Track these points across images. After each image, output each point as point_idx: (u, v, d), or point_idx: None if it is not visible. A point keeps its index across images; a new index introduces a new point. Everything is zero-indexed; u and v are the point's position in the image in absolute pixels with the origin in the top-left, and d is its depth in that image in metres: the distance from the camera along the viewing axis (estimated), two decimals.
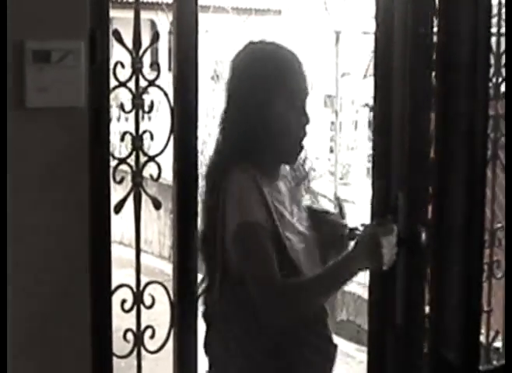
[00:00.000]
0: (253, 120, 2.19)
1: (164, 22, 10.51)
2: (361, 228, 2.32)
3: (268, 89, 2.18)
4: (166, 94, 2.49)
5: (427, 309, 3.13)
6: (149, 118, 8.39)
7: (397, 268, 2.62)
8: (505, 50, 3.20)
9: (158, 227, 8.90)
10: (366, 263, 2.16)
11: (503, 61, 3.37)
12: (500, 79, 3.37)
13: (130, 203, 2.45)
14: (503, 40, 3.37)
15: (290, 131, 2.22)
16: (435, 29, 3.06)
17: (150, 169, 2.52)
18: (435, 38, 3.06)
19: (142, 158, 2.47)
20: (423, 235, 2.43)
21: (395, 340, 3.00)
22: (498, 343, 3.52)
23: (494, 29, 3.33)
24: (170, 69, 2.68)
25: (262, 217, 2.13)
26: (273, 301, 2.10)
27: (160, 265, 8.27)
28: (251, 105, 2.19)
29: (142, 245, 2.56)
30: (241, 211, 2.12)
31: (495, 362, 3.46)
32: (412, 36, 2.92)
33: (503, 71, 3.37)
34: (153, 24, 12.81)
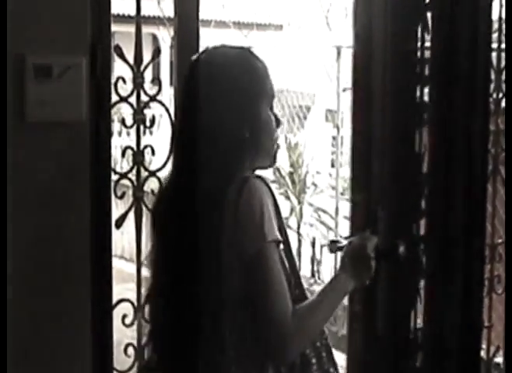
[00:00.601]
0: (242, 124, 2.04)
1: (166, 36, 10.55)
2: (343, 241, 2.30)
3: (254, 92, 2.08)
4: (167, 109, 2.49)
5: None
6: (151, 133, 8.39)
7: (377, 280, 2.62)
8: (505, 64, 3.20)
9: None
10: (358, 278, 2.13)
11: (504, 76, 3.38)
12: (501, 95, 3.38)
13: (131, 218, 2.45)
14: (503, 55, 3.38)
15: (272, 133, 2.13)
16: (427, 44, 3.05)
17: (151, 184, 2.52)
18: (427, 53, 3.05)
19: (143, 173, 2.48)
20: (401, 248, 2.43)
21: (378, 353, 2.99)
22: (499, 359, 3.51)
23: (495, 45, 3.34)
24: (171, 84, 2.69)
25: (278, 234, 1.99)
26: (290, 342, 1.96)
27: None
28: (239, 108, 2.06)
29: (143, 260, 2.56)
30: (264, 229, 1.94)
31: None
32: (398, 53, 2.91)
33: (504, 86, 3.37)
34: (155, 39, 12.85)
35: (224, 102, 2.04)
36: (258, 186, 1.96)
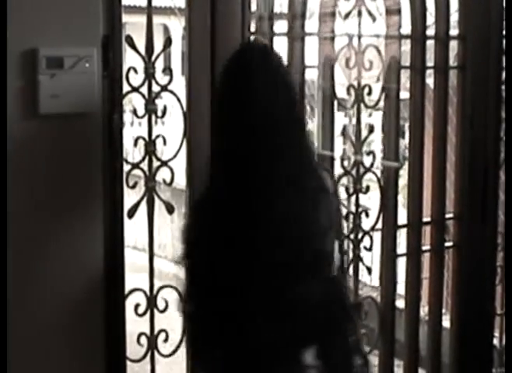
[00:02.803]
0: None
1: (177, 26, 10.53)
2: None
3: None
4: (178, 99, 2.50)
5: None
6: (163, 123, 8.37)
7: None
8: (505, 64, 3.20)
9: (172, 231, 8.91)
10: None
11: None
12: None
13: (143, 208, 2.46)
14: None
15: None
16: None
17: (163, 174, 2.53)
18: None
19: (155, 163, 2.48)
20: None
21: None
22: None
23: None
24: (183, 73, 2.69)
25: None
26: None
27: (174, 269, 8.26)
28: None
29: (155, 250, 2.57)
30: None
31: None
32: None
33: None
34: (166, 29, 12.83)
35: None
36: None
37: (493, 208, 3.26)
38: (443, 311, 3.21)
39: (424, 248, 3.13)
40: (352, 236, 2.87)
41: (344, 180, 2.89)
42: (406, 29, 3.17)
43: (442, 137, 3.13)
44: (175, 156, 2.50)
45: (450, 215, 3.20)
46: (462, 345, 3.19)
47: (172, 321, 2.55)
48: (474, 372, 3.26)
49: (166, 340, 2.51)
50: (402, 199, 4.22)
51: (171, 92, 2.49)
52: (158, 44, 2.47)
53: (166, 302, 2.50)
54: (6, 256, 2.06)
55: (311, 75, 2.78)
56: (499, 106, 3.26)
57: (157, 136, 2.48)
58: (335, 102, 2.90)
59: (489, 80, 3.22)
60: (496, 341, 3.39)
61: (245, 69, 2.05)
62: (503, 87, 3.30)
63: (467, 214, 3.19)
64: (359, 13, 2.89)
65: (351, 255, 2.82)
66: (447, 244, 3.21)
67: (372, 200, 3.10)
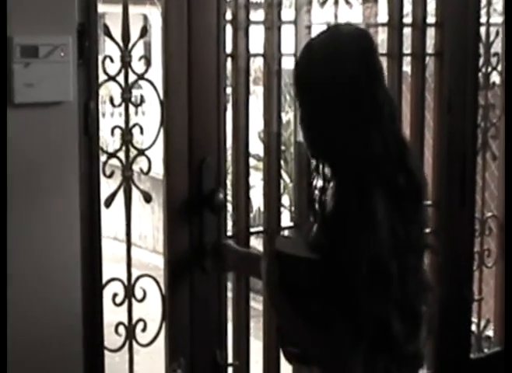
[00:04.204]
0: None
1: (157, 16, 10.49)
2: None
3: None
4: (155, 87, 2.49)
5: None
6: (143, 112, 8.39)
7: None
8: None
9: (152, 221, 8.91)
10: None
11: (493, 50, 3.38)
12: (490, 69, 3.38)
13: (122, 198, 2.46)
14: (492, 29, 3.38)
15: None
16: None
17: (141, 163, 2.52)
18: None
19: (133, 152, 2.48)
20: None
21: None
22: (489, 332, 3.54)
23: (483, 19, 3.34)
24: None
25: None
26: None
27: (154, 260, 8.27)
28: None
29: (136, 240, 2.57)
30: None
31: (486, 350, 3.48)
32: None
33: (493, 60, 3.38)
34: (146, 19, 12.79)
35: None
36: None
37: (471, 194, 3.28)
38: None
39: None
40: None
41: None
42: (383, 17, 3.18)
43: (420, 123, 3.14)
44: (152, 145, 2.49)
45: (429, 202, 3.21)
46: (440, 331, 3.20)
47: (151, 311, 2.56)
48: (452, 357, 3.28)
49: (144, 330, 2.51)
50: None
51: (148, 80, 2.49)
52: (137, 34, 2.46)
53: (144, 292, 2.50)
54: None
55: (288, 64, 2.78)
56: (477, 93, 3.29)
57: (134, 125, 2.47)
58: None
59: (466, 67, 3.24)
60: (473, 327, 3.42)
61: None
62: (480, 74, 3.33)
63: (445, 200, 3.21)
64: (336, 1, 2.90)
65: None
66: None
67: None
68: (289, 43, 2.80)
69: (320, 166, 2.04)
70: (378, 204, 1.90)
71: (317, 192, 2.04)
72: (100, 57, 2.38)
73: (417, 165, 2.10)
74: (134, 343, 2.49)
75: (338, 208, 1.94)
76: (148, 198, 2.51)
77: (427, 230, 2.18)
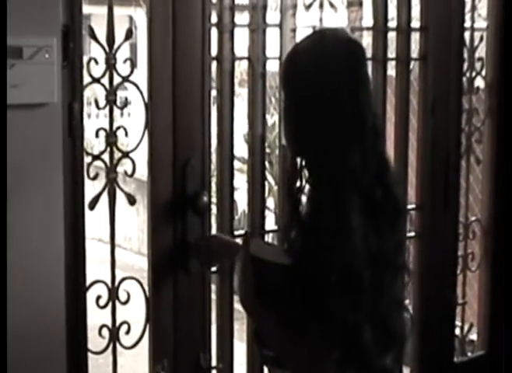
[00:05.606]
0: None
1: (143, 18, 10.50)
2: None
3: None
4: (139, 89, 2.49)
5: None
6: (129, 114, 8.38)
7: None
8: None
9: (137, 223, 8.90)
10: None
11: (477, 55, 3.40)
12: (474, 74, 3.40)
13: (107, 200, 2.46)
14: (476, 34, 3.40)
15: None
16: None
17: (126, 165, 2.52)
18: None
19: (118, 154, 2.47)
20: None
21: None
22: (473, 336, 3.55)
23: (468, 24, 3.36)
24: None
25: None
26: None
27: (139, 262, 8.26)
28: None
29: (121, 242, 2.57)
30: None
31: (470, 354, 3.49)
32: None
33: (478, 65, 3.40)
34: (131, 20, 12.78)
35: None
36: None
37: (454, 198, 3.29)
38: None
39: None
40: None
41: None
42: (368, 21, 3.19)
43: (404, 126, 3.15)
44: (136, 147, 2.49)
45: (412, 206, 3.22)
46: (424, 334, 3.21)
47: (135, 313, 2.56)
48: (436, 361, 3.29)
49: (128, 332, 2.50)
50: None
51: (132, 82, 2.49)
52: (122, 36, 2.46)
53: (128, 294, 2.50)
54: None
55: (273, 67, 2.78)
56: (461, 97, 3.30)
57: (118, 127, 2.47)
58: None
59: (450, 71, 3.26)
60: (457, 330, 3.42)
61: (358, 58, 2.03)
62: (465, 78, 3.34)
63: (429, 204, 3.22)
64: (321, 5, 2.90)
65: None
66: (409, 234, 3.23)
67: None
68: (274, 46, 2.80)
69: (299, 166, 2.04)
70: (353, 213, 1.88)
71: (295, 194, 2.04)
72: (85, 59, 2.37)
73: (397, 182, 2.08)
74: (118, 346, 2.49)
75: (312, 212, 1.94)
76: (132, 200, 2.51)
77: (405, 250, 2.17)
